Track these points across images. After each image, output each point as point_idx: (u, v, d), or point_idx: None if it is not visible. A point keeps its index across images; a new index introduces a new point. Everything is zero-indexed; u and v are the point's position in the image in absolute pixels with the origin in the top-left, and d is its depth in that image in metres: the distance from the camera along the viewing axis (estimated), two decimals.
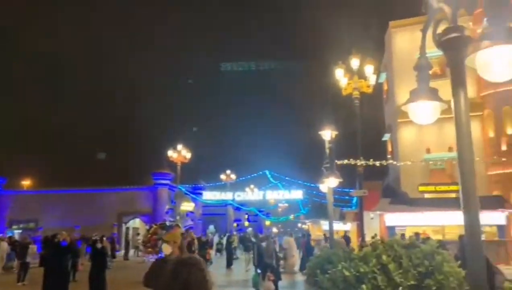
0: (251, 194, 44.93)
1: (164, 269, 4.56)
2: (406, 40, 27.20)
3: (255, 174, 42.87)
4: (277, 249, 18.89)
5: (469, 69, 2.77)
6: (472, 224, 2.71)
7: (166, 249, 4.84)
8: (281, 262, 18.77)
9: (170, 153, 32.76)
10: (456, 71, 2.82)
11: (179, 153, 31.54)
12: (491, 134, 26.20)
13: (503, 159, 24.73)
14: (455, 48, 2.80)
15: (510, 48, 2.45)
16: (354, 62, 16.33)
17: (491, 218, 20.52)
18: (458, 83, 2.83)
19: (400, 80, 27.40)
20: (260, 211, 50.48)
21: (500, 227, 21.20)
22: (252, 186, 46.30)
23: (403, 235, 17.98)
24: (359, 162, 15.41)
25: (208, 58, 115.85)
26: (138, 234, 34.45)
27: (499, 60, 2.49)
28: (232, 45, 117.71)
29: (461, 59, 2.75)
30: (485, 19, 2.67)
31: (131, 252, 30.91)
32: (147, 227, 30.23)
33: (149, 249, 13.82)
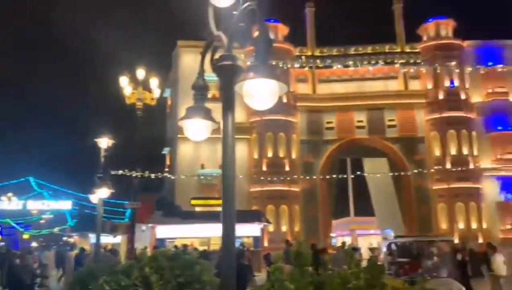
0: (8, 203, 38.90)
1: None
2: (192, 60, 28.71)
3: (15, 181, 37.29)
4: (36, 265, 17.02)
5: (242, 96, 3.09)
6: (228, 235, 2.98)
7: None
8: (38, 279, 16.88)
9: None
10: (227, 95, 3.11)
11: None
12: (256, 155, 29.96)
13: (262, 178, 28.60)
14: (227, 74, 3.09)
15: (268, 82, 2.88)
16: (140, 73, 16.38)
17: (249, 230, 23.24)
18: (227, 107, 3.12)
19: (184, 97, 28.63)
20: (17, 223, 44.08)
21: (256, 238, 24.21)
22: (10, 194, 40.13)
23: (176, 246, 18.55)
24: (134, 173, 15.28)
25: None
26: None
27: (260, 91, 2.89)
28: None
29: (231, 85, 3.05)
30: (253, 54, 3.06)
31: None
32: None
33: None
